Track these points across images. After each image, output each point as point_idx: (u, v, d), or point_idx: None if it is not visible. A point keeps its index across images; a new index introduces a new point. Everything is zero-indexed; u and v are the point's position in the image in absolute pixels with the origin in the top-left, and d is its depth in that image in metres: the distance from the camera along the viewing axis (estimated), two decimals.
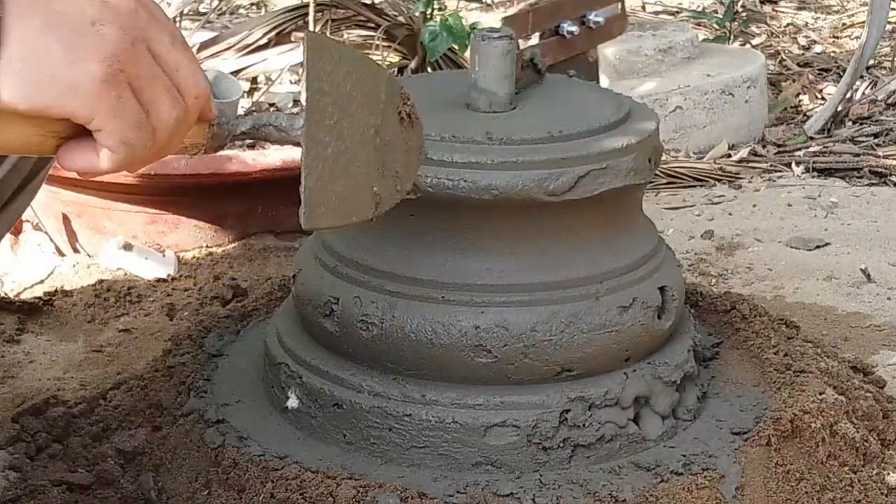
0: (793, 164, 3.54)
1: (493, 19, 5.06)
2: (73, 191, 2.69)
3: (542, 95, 1.88)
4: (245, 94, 3.12)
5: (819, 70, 4.48)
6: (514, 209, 1.69)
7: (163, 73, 1.10)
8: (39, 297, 2.46)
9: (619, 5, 2.80)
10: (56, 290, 2.50)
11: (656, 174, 3.11)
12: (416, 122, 1.36)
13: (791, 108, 4.09)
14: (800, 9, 5.31)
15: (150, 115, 1.09)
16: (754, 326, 2.03)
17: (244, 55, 3.12)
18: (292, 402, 1.73)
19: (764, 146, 3.74)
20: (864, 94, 4.06)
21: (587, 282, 1.73)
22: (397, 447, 1.71)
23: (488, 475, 1.68)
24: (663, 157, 2.89)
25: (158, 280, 2.58)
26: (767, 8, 5.22)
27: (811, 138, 3.78)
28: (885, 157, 3.59)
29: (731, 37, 4.43)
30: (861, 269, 2.73)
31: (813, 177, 3.47)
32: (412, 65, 3.83)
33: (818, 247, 2.91)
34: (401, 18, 4.34)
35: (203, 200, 2.66)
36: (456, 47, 3.39)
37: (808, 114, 4.03)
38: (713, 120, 3.70)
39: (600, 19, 2.68)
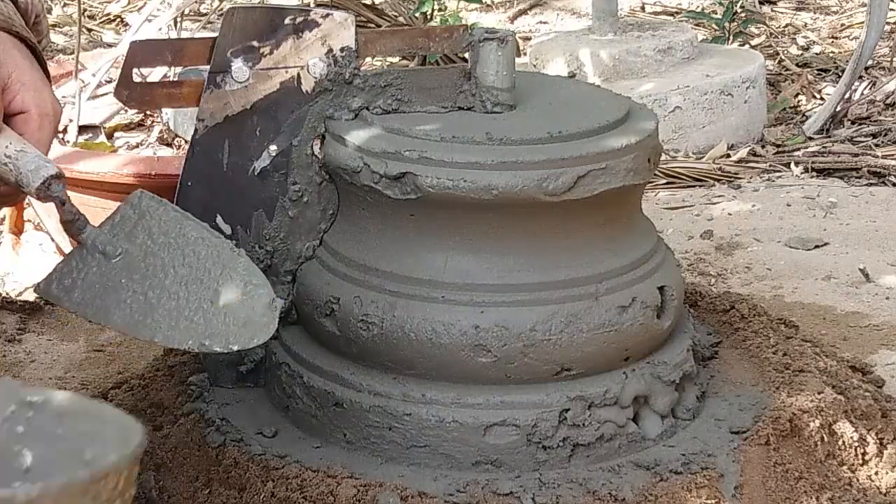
0: (792, 165, 3.55)
1: (493, 19, 5.07)
2: (73, 191, 2.67)
3: (543, 95, 1.88)
4: None
5: (818, 70, 4.49)
6: (514, 209, 1.70)
7: None
8: (41, 297, 2.47)
9: None
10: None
11: (655, 174, 3.11)
12: None
13: (790, 108, 4.10)
14: (798, 9, 5.32)
15: None
16: (753, 326, 2.04)
17: None
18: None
19: (763, 146, 3.75)
20: (862, 94, 4.07)
21: (587, 281, 1.73)
22: (397, 446, 1.71)
23: (488, 474, 1.68)
24: (662, 157, 2.89)
25: None
26: (766, 8, 5.23)
27: (810, 138, 3.79)
28: (884, 157, 3.59)
29: (730, 37, 4.43)
30: (860, 269, 2.73)
31: (812, 177, 3.47)
32: (412, 65, 3.84)
33: (817, 246, 2.91)
34: (401, 19, 4.35)
35: None
36: None
37: (806, 114, 4.04)
38: (712, 120, 3.70)
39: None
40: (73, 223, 1.62)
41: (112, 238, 1.64)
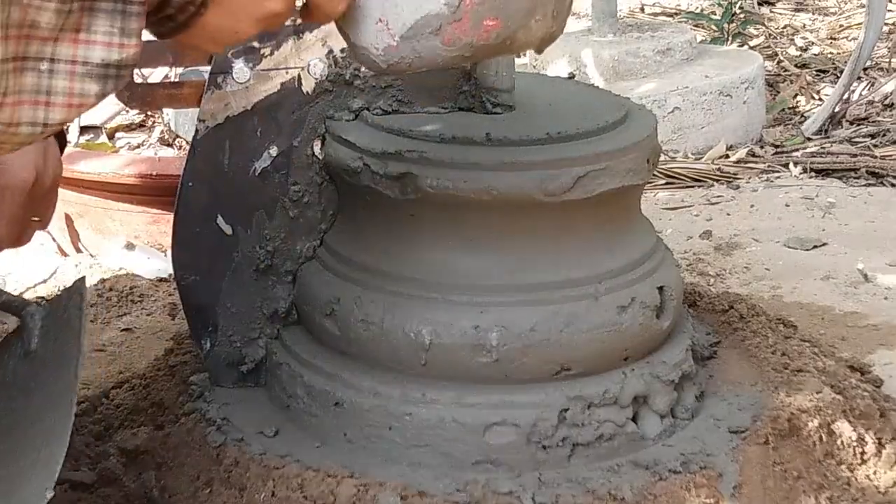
0: (790, 165, 3.55)
1: None
2: (75, 191, 2.70)
3: (542, 96, 1.89)
4: None
5: (816, 71, 4.49)
6: (513, 209, 1.70)
7: None
8: (42, 297, 2.47)
9: None
10: (58, 290, 2.50)
11: (654, 175, 3.12)
12: None
13: (789, 108, 4.10)
14: (797, 10, 5.32)
15: None
16: (752, 326, 2.04)
17: None
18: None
19: (762, 147, 3.75)
20: (861, 95, 4.07)
21: (586, 282, 1.74)
22: (397, 446, 1.71)
23: (488, 474, 1.68)
24: (662, 158, 2.89)
25: (160, 280, 2.58)
26: (765, 9, 5.23)
27: (809, 139, 3.79)
28: (882, 157, 3.59)
29: (729, 38, 4.44)
30: (858, 269, 2.73)
31: (810, 177, 3.47)
32: None
33: (816, 247, 2.92)
34: None
35: None
36: None
37: (805, 115, 4.04)
38: (711, 121, 3.70)
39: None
40: (9, 306, 1.58)
41: (36, 331, 1.57)
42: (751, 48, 4.46)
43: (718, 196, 3.29)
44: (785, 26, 5.09)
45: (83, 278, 1.63)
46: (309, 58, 1.78)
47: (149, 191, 2.63)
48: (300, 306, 1.85)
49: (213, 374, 1.86)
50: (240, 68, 1.76)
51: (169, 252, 2.59)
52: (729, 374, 1.94)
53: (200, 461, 1.75)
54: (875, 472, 1.81)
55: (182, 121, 3.60)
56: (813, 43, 4.87)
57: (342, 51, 1.79)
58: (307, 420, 1.78)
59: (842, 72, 4.01)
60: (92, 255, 2.75)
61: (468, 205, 1.69)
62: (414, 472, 1.69)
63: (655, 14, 5.20)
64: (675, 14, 5.14)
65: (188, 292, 1.83)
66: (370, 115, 1.81)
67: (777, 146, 3.76)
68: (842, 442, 1.80)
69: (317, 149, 1.81)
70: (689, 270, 2.75)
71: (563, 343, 1.71)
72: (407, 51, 1.35)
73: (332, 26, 1.77)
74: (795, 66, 4.51)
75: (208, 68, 1.77)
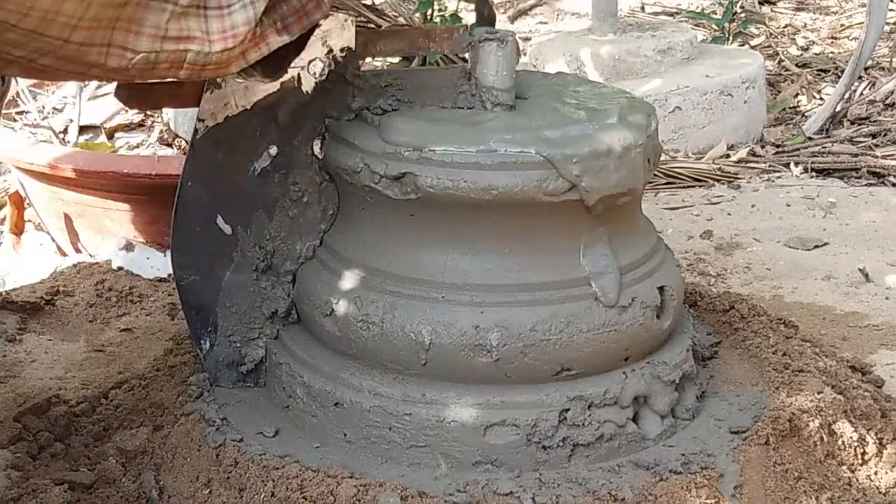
0: (791, 165, 3.55)
1: None
2: (75, 191, 2.69)
3: (543, 94, 1.88)
4: None
5: (817, 71, 4.49)
6: (514, 209, 1.70)
7: None
8: (41, 297, 2.47)
9: None
10: (58, 290, 2.50)
11: (655, 174, 3.11)
12: None
13: (789, 108, 4.10)
14: (798, 10, 5.32)
15: None
16: (753, 326, 2.04)
17: None
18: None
19: (763, 146, 3.75)
20: (862, 94, 4.07)
21: (586, 281, 1.73)
22: (397, 446, 1.71)
23: (488, 474, 1.68)
24: (662, 158, 2.89)
25: (160, 280, 2.58)
26: (766, 9, 5.23)
27: (809, 139, 3.79)
28: (883, 157, 3.59)
29: (730, 37, 4.43)
30: (859, 269, 2.73)
31: (811, 177, 3.47)
32: (412, 65, 3.84)
33: (816, 247, 2.92)
34: (401, 19, 4.34)
35: None
36: None
37: (806, 114, 4.04)
38: (712, 120, 3.70)
39: None
40: None
41: None
42: (752, 47, 4.46)
43: (719, 196, 3.29)
44: (786, 26, 5.09)
45: None
46: (309, 57, 1.77)
47: (148, 191, 2.63)
48: (300, 306, 1.84)
49: (212, 374, 1.86)
50: None
51: (168, 252, 2.60)
52: (730, 374, 1.94)
53: (200, 462, 1.74)
54: (876, 473, 1.81)
55: (182, 120, 3.59)
56: (814, 42, 4.87)
57: (342, 50, 1.78)
58: (307, 420, 1.78)
59: (843, 71, 4.00)
60: (91, 255, 2.75)
61: (468, 204, 1.69)
62: (414, 472, 1.69)
63: (656, 13, 5.20)
64: (676, 13, 5.14)
65: (187, 292, 1.83)
66: (370, 115, 1.80)
67: (778, 146, 3.76)
68: (843, 442, 1.80)
69: (316, 148, 1.81)
70: (689, 270, 2.75)
71: (564, 343, 1.71)
72: None
73: (332, 27, 1.78)
74: (796, 65, 4.50)
75: None
